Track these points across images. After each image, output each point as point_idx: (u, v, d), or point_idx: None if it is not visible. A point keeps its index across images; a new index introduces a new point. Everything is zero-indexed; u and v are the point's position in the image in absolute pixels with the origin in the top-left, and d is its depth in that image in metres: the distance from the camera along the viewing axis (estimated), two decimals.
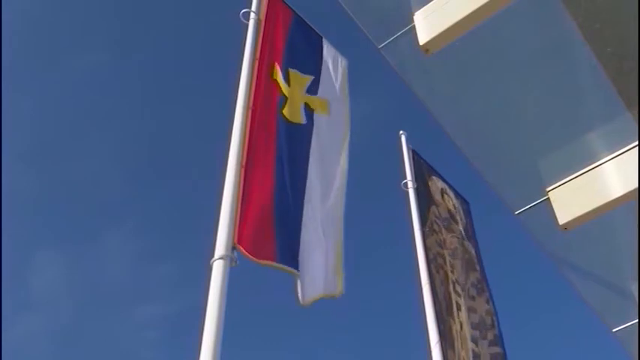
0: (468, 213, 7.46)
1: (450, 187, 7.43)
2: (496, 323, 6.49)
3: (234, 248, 3.77)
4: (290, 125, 4.87)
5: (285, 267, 4.02)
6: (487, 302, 6.58)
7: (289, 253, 4.12)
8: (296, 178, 4.63)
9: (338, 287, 4.31)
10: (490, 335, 6.28)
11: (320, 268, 4.28)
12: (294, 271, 4.04)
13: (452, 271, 6.43)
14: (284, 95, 4.98)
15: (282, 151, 4.63)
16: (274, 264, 3.97)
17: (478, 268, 6.82)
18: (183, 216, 17.59)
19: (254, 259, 3.85)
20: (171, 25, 17.43)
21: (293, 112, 4.96)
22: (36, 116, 17.34)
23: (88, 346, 16.83)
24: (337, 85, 5.54)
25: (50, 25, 17.02)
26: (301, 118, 5.00)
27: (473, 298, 6.41)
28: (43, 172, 18.04)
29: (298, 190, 4.58)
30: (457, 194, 7.46)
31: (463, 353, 5.86)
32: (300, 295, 4.00)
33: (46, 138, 17.77)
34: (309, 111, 5.09)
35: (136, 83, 17.88)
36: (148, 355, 17.93)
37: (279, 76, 5.01)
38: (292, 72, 5.19)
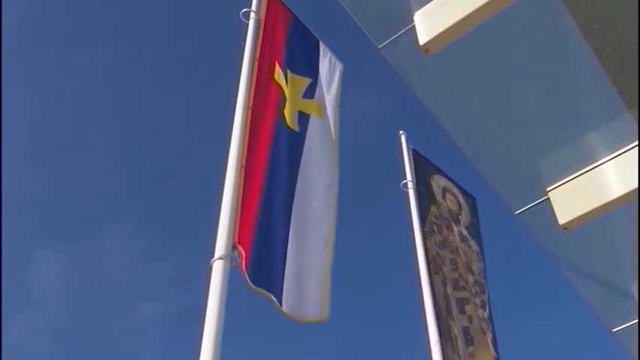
0: (473, 209, 7.40)
1: (454, 183, 7.39)
2: (490, 329, 6.42)
3: (234, 248, 3.77)
4: (287, 130, 4.80)
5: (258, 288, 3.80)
6: (481, 306, 6.52)
7: (264, 272, 3.93)
8: (284, 190, 4.51)
9: (324, 312, 4.09)
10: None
11: (310, 290, 4.11)
12: (263, 291, 3.79)
13: (454, 270, 6.41)
14: (284, 96, 4.94)
15: (277, 155, 4.54)
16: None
17: (475, 270, 6.78)
18: (183, 215, 17.61)
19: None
20: (171, 24, 17.45)
21: (290, 117, 4.89)
22: (36, 115, 17.35)
23: (88, 344, 16.84)
24: (331, 90, 5.50)
25: (50, 24, 17.02)
26: (295, 126, 4.93)
27: (470, 299, 6.40)
28: (43, 171, 18.04)
29: (285, 203, 4.42)
30: (462, 190, 7.41)
31: (476, 346, 5.85)
32: (285, 307, 3.84)
33: (46, 137, 17.77)
34: (304, 116, 5.02)
35: (136, 83, 17.89)
36: (148, 354, 17.93)
37: (280, 76, 4.99)
38: (290, 75, 5.15)
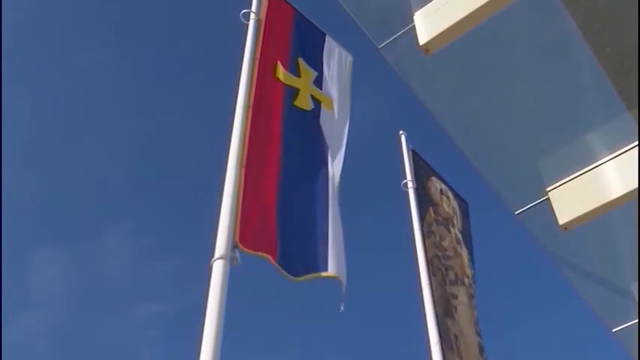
0: (466, 214, 7.43)
1: (450, 187, 7.42)
2: (479, 334, 6.45)
3: (235, 247, 3.77)
4: (301, 112, 4.93)
5: (281, 270, 4.03)
6: (473, 308, 6.54)
7: (295, 257, 4.15)
8: (311, 172, 4.67)
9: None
10: None
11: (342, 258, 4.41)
12: (288, 274, 4.06)
13: (451, 271, 6.43)
14: (294, 87, 5.03)
15: (290, 149, 4.66)
16: (274, 263, 3.98)
17: (469, 273, 6.79)
18: (183, 215, 17.60)
19: (255, 252, 3.87)
20: (171, 25, 17.45)
21: (303, 101, 5.02)
22: (36, 115, 17.35)
23: (88, 344, 16.83)
24: (340, 82, 5.56)
25: (50, 24, 17.02)
26: (309, 105, 5.06)
27: (463, 302, 6.41)
28: (43, 171, 18.05)
29: (316, 183, 4.61)
30: (456, 195, 7.45)
31: (464, 353, 5.85)
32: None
33: (46, 137, 17.77)
34: (316, 101, 5.14)
35: (136, 83, 17.89)
36: (148, 354, 17.93)
37: (283, 72, 5.03)
38: (301, 62, 5.24)
